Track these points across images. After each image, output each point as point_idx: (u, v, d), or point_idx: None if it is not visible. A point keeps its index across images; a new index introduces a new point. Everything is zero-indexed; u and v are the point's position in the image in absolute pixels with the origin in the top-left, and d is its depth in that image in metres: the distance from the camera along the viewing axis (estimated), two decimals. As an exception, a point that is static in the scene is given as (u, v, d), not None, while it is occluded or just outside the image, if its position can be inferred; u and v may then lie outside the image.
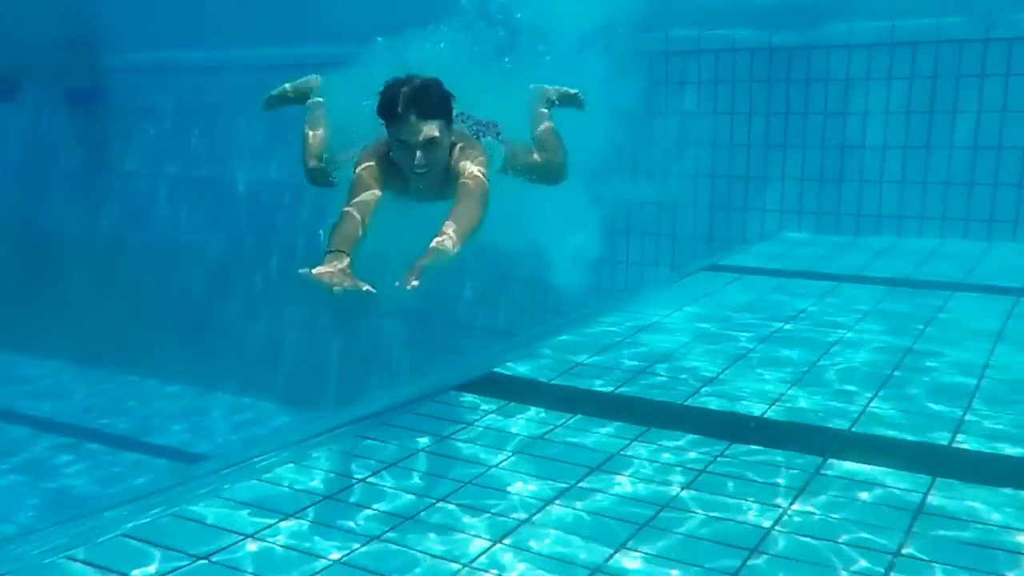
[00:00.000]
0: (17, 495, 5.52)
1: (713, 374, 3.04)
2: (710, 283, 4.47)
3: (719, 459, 2.35)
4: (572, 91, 3.76)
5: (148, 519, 2.10)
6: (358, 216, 2.54)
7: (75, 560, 1.88)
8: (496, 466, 2.34)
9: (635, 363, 3.17)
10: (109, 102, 7.46)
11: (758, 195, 5.74)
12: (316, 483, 2.25)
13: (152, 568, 1.84)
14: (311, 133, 3.33)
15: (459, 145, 2.78)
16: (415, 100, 2.58)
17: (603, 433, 2.55)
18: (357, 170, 2.73)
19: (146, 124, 7.12)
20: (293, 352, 6.83)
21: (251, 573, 1.83)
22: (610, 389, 2.92)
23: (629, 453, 2.41)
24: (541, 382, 3.00)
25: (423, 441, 2.51)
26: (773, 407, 2.73)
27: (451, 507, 2.11)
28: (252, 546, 1.94)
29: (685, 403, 2.79)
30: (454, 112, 2.74)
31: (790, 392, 2.85)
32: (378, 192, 2.67)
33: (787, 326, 3.59)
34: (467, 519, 2.06)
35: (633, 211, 6.00)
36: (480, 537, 1.97)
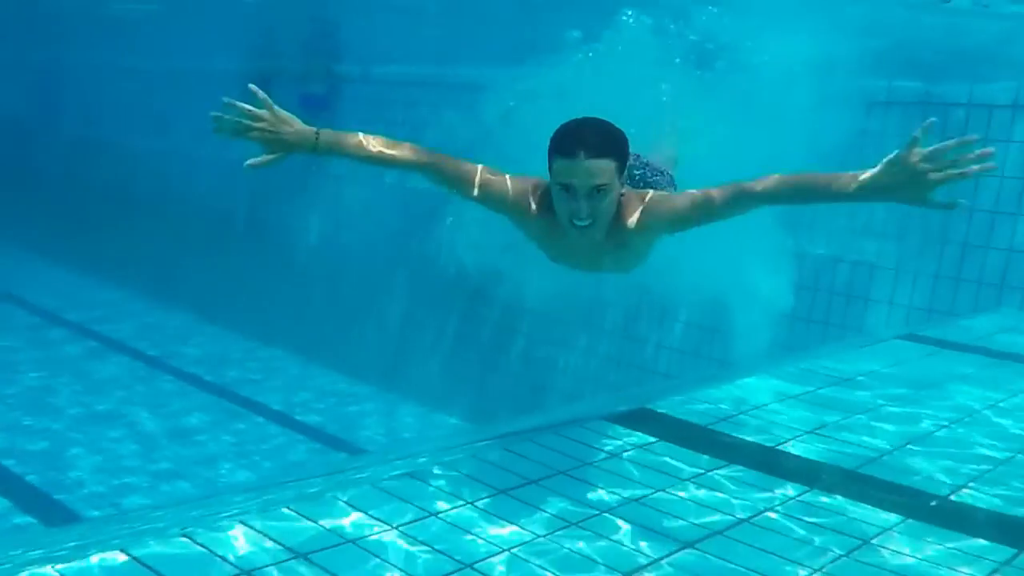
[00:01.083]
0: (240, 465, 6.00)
1: (891, 446, 2.78)
2: (904, 352, 4.11)
3: (886, 533, 2.15)
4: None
5: (312, 501, 2.21)
6: (386, 152, 2.42)
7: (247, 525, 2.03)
8: (636, 500, 2.27)
9: (803, 423, 2.97)
10: (337, 109, 8.08)
11: (974, 265, 5.22)
12: (458, 487, 2.29)
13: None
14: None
15: (629, 200, 2.44)
16: (588, 136, 2.29)
17: (754, 487, 2.41)
18: (508, 177, 2.49)
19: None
20: (459, 364, 7.01)
21: (383, 560, 1.89)
22: (771, 444, 2.75)
23: (780, 510, 2.26)
24: (696, 425, 2.89)
25: (566, 464, 2.49)
26: (960, 492, 2.46)
27: (582, 532, 2.08)
28: (388, 536, 2.00)
29: (857, 470, 2.58)
30: (629, 159, 2.40)
31: (974, 483, 2.55)
32: (447, 177, 2.46)
33: (983, 410, 3.23)
34: (594, 549, 2.01)
35: (823, 268, 5.64)
36: (606, 569, 1.91)
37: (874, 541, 2.12)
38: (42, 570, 1.74)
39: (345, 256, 7.84)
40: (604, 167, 2.29)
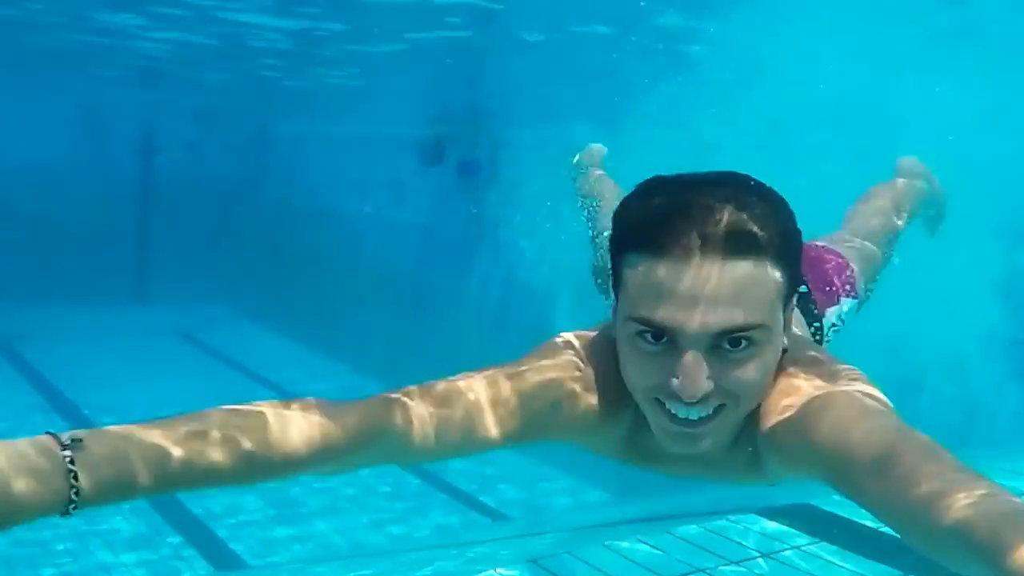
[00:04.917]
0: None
1: None
2: None
3: None
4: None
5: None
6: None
7: None
8: (789, 617, 1.91)
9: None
10: (494, 174, 8.22)
11: None
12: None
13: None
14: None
15: (792, 373, 1.27)
16: (712, 210, 1.11)
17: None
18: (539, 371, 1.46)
19: (517, 196, 7.70)
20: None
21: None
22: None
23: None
24: (873, 528, 2.45)
25: (708, 561, 2.16)
26: None
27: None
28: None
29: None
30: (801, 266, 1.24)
31: None
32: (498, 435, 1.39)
33: None
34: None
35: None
36: None
37: None
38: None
39: (490, 308, 7.76)
40: (750, 288, 1.10)
